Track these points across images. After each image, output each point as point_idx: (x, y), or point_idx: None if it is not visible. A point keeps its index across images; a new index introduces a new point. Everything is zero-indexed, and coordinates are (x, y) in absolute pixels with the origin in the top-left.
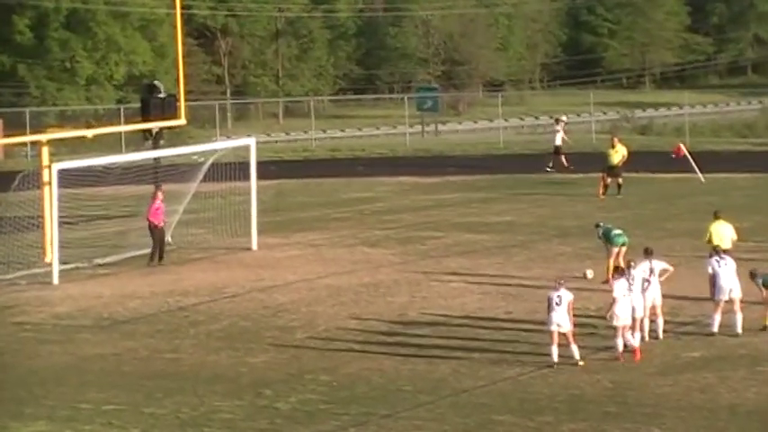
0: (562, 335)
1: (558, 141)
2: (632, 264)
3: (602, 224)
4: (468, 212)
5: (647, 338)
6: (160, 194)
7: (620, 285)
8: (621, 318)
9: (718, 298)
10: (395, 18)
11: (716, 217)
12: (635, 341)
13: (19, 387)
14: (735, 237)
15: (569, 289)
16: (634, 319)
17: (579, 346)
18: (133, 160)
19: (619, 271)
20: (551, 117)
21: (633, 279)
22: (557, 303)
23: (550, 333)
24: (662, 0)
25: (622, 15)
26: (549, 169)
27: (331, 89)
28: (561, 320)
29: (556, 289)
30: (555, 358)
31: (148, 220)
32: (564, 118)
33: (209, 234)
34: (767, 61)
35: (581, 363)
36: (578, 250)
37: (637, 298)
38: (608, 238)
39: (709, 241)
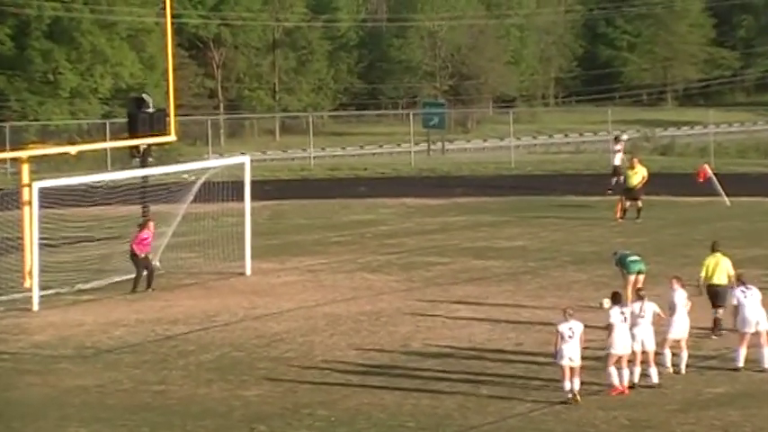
0: (573, 369)
1: (618, 161)
2: (642, 294)
3: (618, 251)
4: (476, 237)
5: (670, 370)
6: (152, 225)
7: (615, 313)
8: (618, 347)
9: (744, 330)
10: (399, 29)
11: (713, 250)
12: (629, 376)
13: None
14: (732, 272)
15: (582, 320)
16: (635, 353)
17: (592, 382)
18: (119, 179)
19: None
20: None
21: (643, 311)
22: (569, 336)
23: (562, 368)
24: (685, 12)
25: (643, 27)
26: (610, 192)
27: (331, 104)
28: (574, 354)
29: (566, 320)
30: (568, 389)
31: (131, 248)
32: (624, 137)
33: (199, 258)
34: None
35: (578, 398)
36: (594, 278)
37: (646, 330)
38: (623, 265)
39: (707, 278)
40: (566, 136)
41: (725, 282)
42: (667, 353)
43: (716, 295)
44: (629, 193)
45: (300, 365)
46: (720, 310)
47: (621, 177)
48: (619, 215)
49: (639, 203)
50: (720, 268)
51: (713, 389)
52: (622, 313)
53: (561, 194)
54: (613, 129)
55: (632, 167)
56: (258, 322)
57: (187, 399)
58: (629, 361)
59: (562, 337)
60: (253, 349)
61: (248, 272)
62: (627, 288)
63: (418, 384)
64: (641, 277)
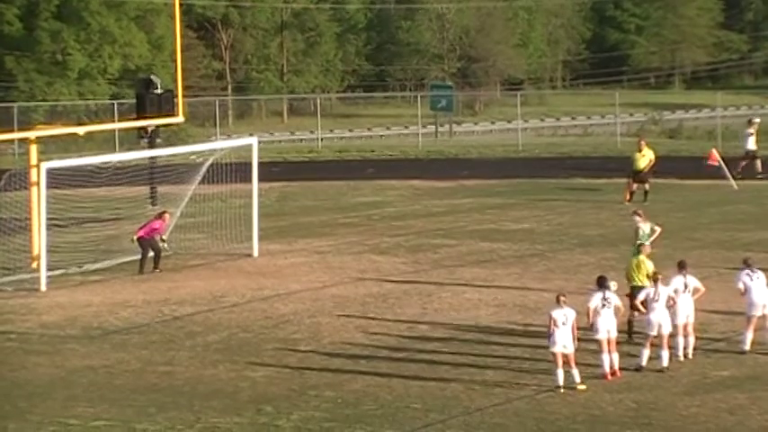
0: (566, 356)
1: (751, 145)
2: (657, 277)
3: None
4: (483, 219)
5: (681, 357)
6: (167, 218)
7: (596, 297)
8: (602, 330)
9: (751, 314)
10: (407, 11)
11: (638, 251)
12: (612, 362)
13: (3, 401)
14: (651, 270)
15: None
16: (660, 336)
17: (600, 364)
18: (127, 160)
19: (600, 281)
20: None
21: (657, 294)
22: (563, 323)
23: (554, 355)
24: None
25: (651, 10)
26: (738, 176)
27: (339, 86)
28: (567, 341)
29: (560, 306)
30: (560, 382)
31: (138, 234)
32: (756, 119)
33: (207, 239)
34: None
35: (582, 387)
36: (601, 261)
37: (662, 313)
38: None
39: (629, 279)
40: (573, 119)
41: (646, 283)
42: (680, 339)
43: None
44: (637, 175)
45: (307, 347)
46: (636, 313)
47: (758, 161)
48: (627, 198)
49: (647, 186)
50: (642, 270)
51: (719, 372)
52: (605, 298)
53: (569, 177)
54: (621, 112)
55: (640, 150)
56: (265, 303)
57: (194, 379)
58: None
59: (555, 324)
60: (260, 330)
61: (256, 253)
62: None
63: (425, 366)
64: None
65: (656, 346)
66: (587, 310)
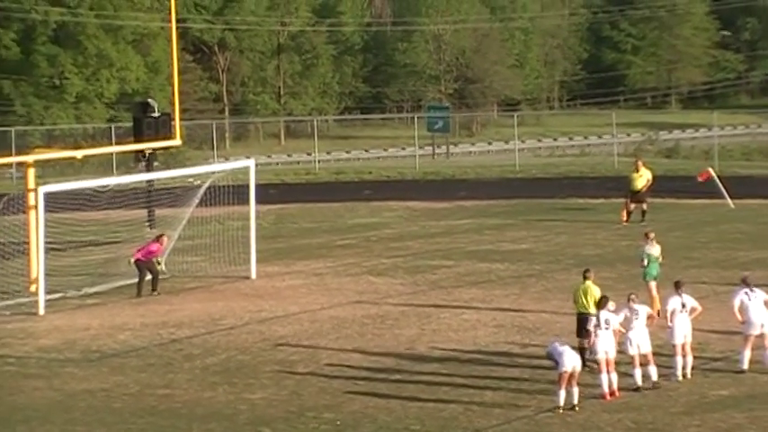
0: (572, 375)
1: None
2: (633, 297)
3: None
4: (481, 240)
5: (680, 377)
6: (165, 241)
7: (592, 320)
8: (600, 351)
9: (749, 333)
10: (404, 32)
11: (585, 277)
12: (611, 381)
13: (1, 425)
14: (597, 296)
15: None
16: (631, 356)
17: (599, 384)
18: (125, 183)
19: (601, 304)
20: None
21: (637, 313)
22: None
23: (560, 375)
24: (690, 15)
25: (647, 31)
26: None
27: (336, 108)
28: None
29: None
30: (561, 402)
31: (136, 256)
32: None
33: (205, 262)
34: None
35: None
36: (599, 280)
37: (641, 333)
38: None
39: (576, 301)
40: (570, 139)
41: (593, 311)
42: (678, 360)
43: (586, 324)
44: (635, 195)
45: (306, 369)
46: (586, 341)
47: None
48: (624, 218)
49: (644, 206)
50: (590, 296)
51: (718, 391)
52: (597, 318)
53: (566, 197)
54: (618, 132)
55: (637, 170)
56: (263, 325)
57: (192, 402)
58: (627, 364)
59: (554, 354)
60: (258, 353)
61: (253, 275)
62: (651, 295)
63: (423, 387)
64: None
65: (643, 364)
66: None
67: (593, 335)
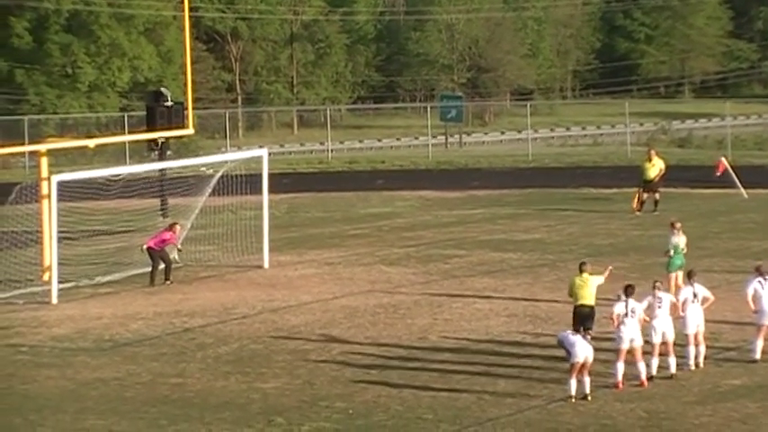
0: (584, 365)
1: None
2: (658, 285)
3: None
4: (494, 229)
5: (692, 367)
6: (178, 230)
7: (618, 307)
8: (626, 340)
9: (761, 322)
10: (417, 22)
11: (581, 270)
12: (645, 369)
13: (14, 414)
14: (597, 284)
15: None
16: (653, 344)
17: (609, 373)
18: (137, 172)
19: (628, 291)
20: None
21: (661, 301)
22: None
23: (572, 365)
24: (703, 4)
25: (660, 20)
26: None
27: (349, 97)
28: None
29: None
30: (572, 392)
31: (149, 245)
32: None
33: (217, 251)
34: None
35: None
36: (613, 270)
37: (665, 321)
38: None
39: (571, 295)
40: (583, 129)
41: (592, 303)
42: (691, 349)
43: (584, 317)
44: (647, 185)
45: (318, 358)
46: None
47: None
48: (636, 208)
49: (657, 196)
50: (588, 289)
51: (731, 381)
52: (626, 306)
53: (579, 187)
54: (631, 121)
55: (650, 160)
56: (276, 315)
57: (205, 391)
58: (647, 353)
59: (566, 342)
60: (270, 342)
61: (266, 264)
62: (674, 286)
63: (436, 377)
64: (679, 273)
65: (663, 354)
66: (611, 317)
67: (615, 322)
